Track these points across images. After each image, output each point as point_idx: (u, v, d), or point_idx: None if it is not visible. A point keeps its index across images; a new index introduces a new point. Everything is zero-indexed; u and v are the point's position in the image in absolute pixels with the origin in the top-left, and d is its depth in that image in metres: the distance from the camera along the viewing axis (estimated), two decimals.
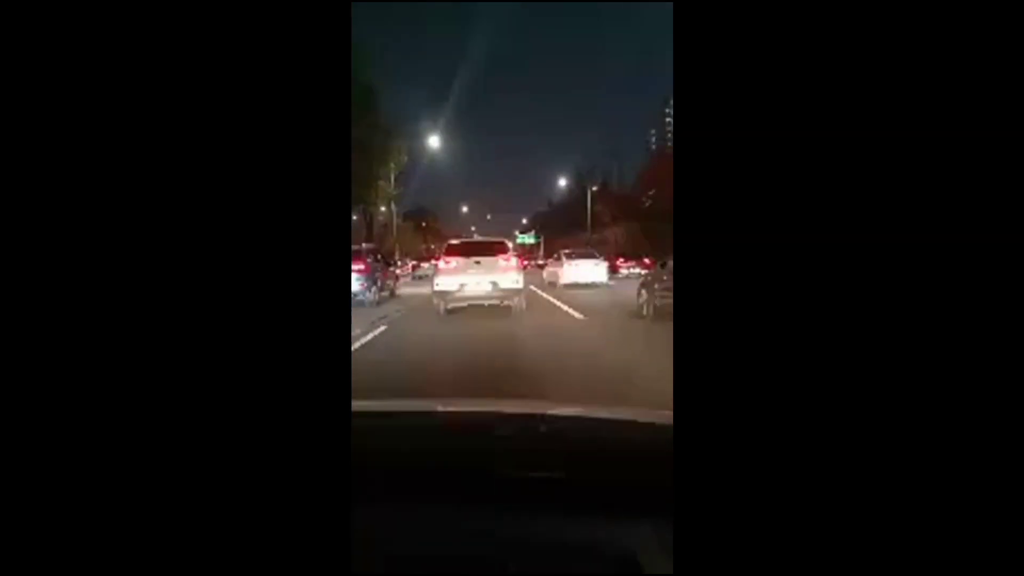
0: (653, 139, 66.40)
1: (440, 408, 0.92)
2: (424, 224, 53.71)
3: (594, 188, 39.46)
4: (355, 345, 4.45)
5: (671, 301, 5.12)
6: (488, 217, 63.85)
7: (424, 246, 47.03)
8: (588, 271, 11.63)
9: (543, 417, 0.85)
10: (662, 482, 0.48)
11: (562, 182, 44.18)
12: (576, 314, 6.51)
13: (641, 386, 2.87)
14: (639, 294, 6.31)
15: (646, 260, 19.22)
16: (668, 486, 0.44)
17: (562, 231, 44.27)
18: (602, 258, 13.06)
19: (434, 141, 19.38)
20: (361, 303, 7.71)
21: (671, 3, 0.48)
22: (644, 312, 5.97)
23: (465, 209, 56.17)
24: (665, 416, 0.68)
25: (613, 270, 15.86)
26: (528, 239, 43.96)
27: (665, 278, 5.51)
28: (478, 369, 3.49)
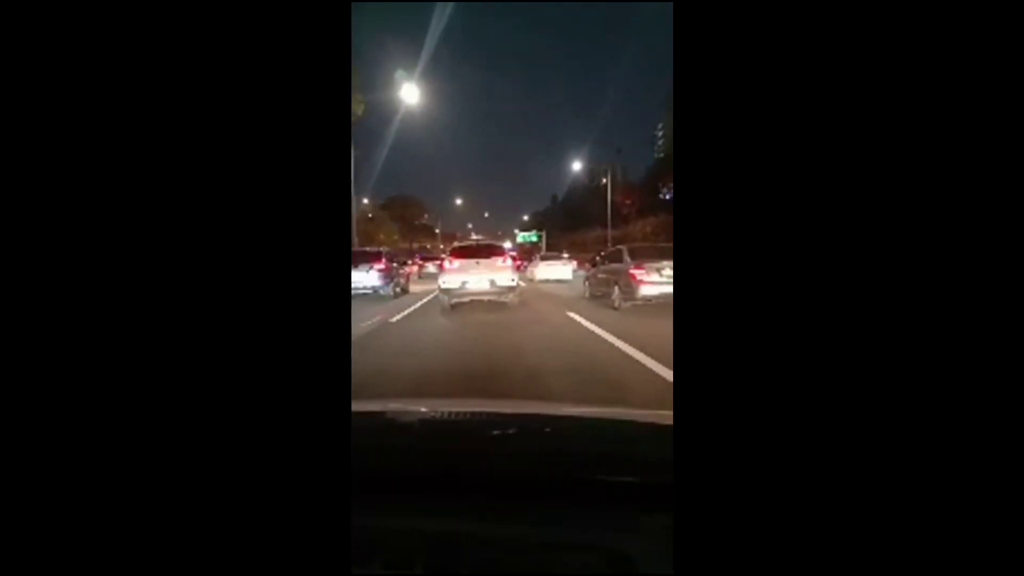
0: (660, 133, 67.89)
1: (439, 408, 0.97)
2: (411, 217, 47.02)
3: (603, 181, 37.40)
4: (390, 321, 7.08)
5: (598, 286, 8.24)
6: (486, 215, 63.60)
7: (414, 245, 41.01)
8: (556, 270, 15.97)
9: (542, 417, 0.93)
10: (662, 482, 0.50)
11: (576, 165, 39.02)
12: (547, 299, 9.63)
13: (564, 321, 6.21)
14: (584, 284, 9.45)
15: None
16: (668, 486, 0.45)
17: (570, 227, 41.62)
18: (569, 258, 17.81)
19: (410, 94, 13.07)
20: (381, 297, 9.76)
21: (671, 1, 0.49)
22: (585, 295, 9.03)
23: (459, 202, 52.68)
24: (665, 416, 0.72)
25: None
26: (530, 237, 42.74)
27: (599, 273, 8.43)
28: (477, 328, 5.82)
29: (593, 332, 5.10)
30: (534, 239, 42.82)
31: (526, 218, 59.01)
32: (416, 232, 49.93)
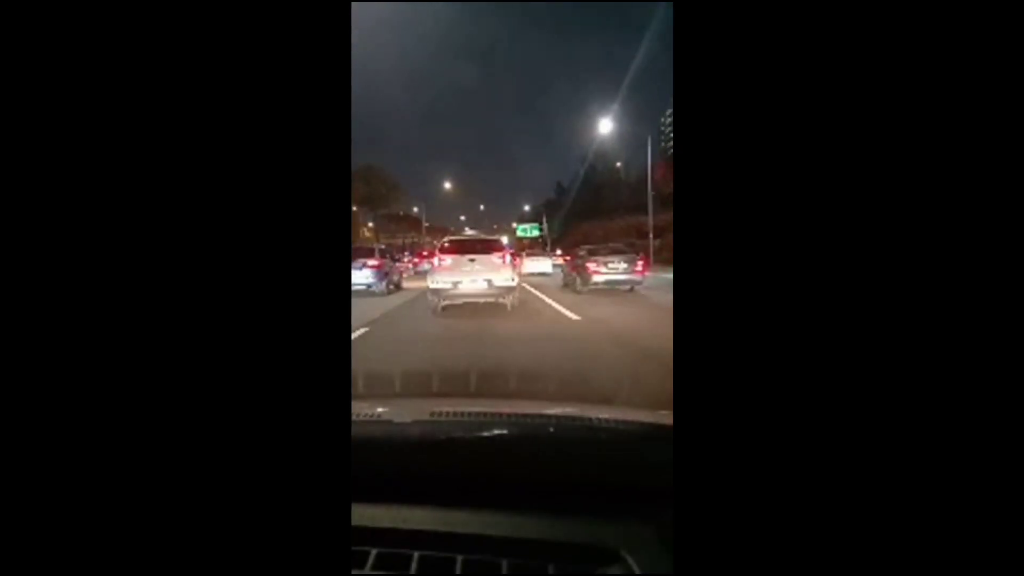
0: (668, 120, 68.30)
1: (437, 408, 0.98)
2: (379, 200, 38.92)
3: (618, 164, 35.71)
4: (387, 310, 7.77)
5: (570, 276, 10.90)
6: (481, 207, 59.88)
7: (389, 242, 32.61)
8: (538, 265, 19.23)
9: (541, 417, 0.95)
10: (662, 483, 0.51)
11: (605, 126, 25.99)
12: (527, 286, 11.91)
13: (540, 300, 8.65)
14: (562, 276, 12.30)
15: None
16: (668, 487, 0.46)
17: (585, 216, 37.91)
18: (561, 254, 21.02)
19: None
20: (374, 293, 10.16)
21: (671, 2, 0.50)
22: (563, 284, 11.71)
23: (448, 186, 46.04)
24: (665, 416, 0.74)
25: None
26: (530, 231, 41.83)
27: (571, 267, 11.03)
28: (469, 313, 6.66)
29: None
30: (535, 233, 41.68)
31: (527, 208, 55.59)
32: (399, 224, 44.76)
